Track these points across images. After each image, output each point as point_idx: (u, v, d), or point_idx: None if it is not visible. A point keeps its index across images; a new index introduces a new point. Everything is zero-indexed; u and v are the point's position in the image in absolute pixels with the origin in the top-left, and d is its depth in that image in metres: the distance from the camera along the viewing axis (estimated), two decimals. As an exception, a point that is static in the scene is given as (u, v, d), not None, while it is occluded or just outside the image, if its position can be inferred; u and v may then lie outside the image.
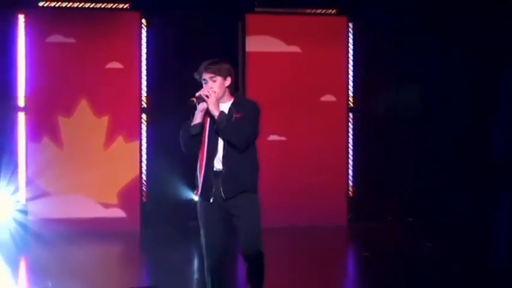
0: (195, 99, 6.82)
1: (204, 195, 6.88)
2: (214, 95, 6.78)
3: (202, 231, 6.94)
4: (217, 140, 6.87)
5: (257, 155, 7.04)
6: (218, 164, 6.87)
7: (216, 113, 6.75)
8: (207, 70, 6.86)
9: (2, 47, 11.56)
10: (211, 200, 6.84)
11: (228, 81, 6.91)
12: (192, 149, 7.01)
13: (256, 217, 7.09)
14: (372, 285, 9.44)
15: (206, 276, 7.00)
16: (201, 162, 6.93)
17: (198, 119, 6.87)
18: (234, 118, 6.80)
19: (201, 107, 6.82)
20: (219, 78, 6.87)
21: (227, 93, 6.94)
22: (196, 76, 6.98)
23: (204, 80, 6.90)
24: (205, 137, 6.88)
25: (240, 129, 6.80)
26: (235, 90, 7.07)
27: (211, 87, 6.81)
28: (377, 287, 9.17)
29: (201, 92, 6.82)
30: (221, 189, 6.82)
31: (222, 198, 6.82)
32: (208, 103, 6.76)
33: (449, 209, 12.18)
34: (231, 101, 6.94)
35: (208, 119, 6.86)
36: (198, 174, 6.97)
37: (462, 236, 11.56)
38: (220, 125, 6.74)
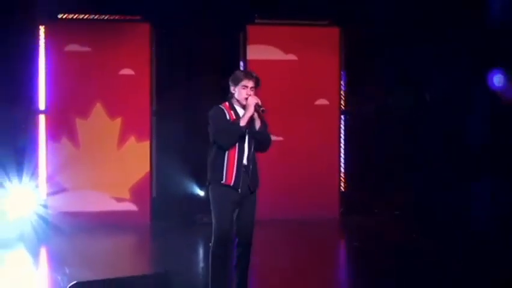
0: (263, 108, 7.17)
1: (235, 185, 7.08)
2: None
3: (220, 212, 7.14)
4: (245, 141, 7.15)
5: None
6: (246, 161, 7.15)
7: (259, 121, 7.17)
8: (255, 80, 7.23)
9: (25, 55, 11.53)
10: (239, 191, 7.08)
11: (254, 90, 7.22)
12: (233, 146, 7.18)
13: (256, 211, 7.33)
14: (361, 271, 9.48)
15: (219, 249, 7.17)
16: (232, 158, 7.15)
17: (247, 122, 7.11)
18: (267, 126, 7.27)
19: (250, 113, 7.09)
20: (254, 90, 7.21)
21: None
22: (239, 77, 7.26)
23: (245, 86, 7.20)
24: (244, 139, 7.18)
25: (268, 136, 7.30)
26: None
27: (253, 97, 7.14)
28: (365, 273, 9.18)
29: (259, 101, 7.13)
30: (249, 183, 7.14)
31: (249, 190, 7.16)
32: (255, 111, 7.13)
33: (433, 202, 12.18)
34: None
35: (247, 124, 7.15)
36: (226, 168, 7.14)
37: (445, 226, 11.60)
38: (262, 130, 7.19)
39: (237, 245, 7.27)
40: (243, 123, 7.08)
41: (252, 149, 7.21)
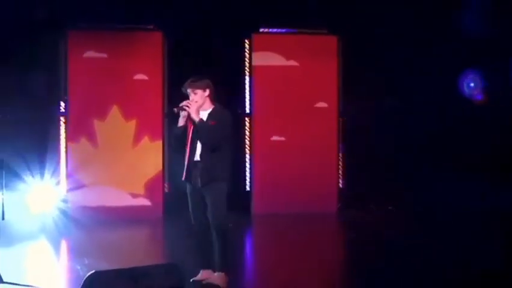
0: (175, 109, 7.57)
1: (187, 180, 7.67)
2: (196, 105, 7.47)
3: (189, 206, 7.87)
4: (193, 140, 7.54)
5: (228, 153, 7.68)
6: (198, 158, 7.54)
7: (196, 119, 7.43)
8: (189, 86, 7.60)
9: (47, 61, 11.60)
10: (191, 184, 7.65)
11: (207, 93, 7.56)
12: (176, 148, 7.88)
13: (219, 200, 7.71)
14: (356, 259, 9.53)
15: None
16: (187, 156, 7.60)
17: (180, 123, 7.57)
18: (209, 124, 7.46)
19: (183, 114, 7.50)
20: (199, 91, 7.55)
21: (208, 102, 7.59)
22: (183, 89, 7.69)
23: (188, 92, 7.60)
24: (189, 137, 7.55)
25: (211, 133, 7.44)
26: (215, 99, 7.65)
27: (193, 99, 7.51)
28: (360, 262, 9.24)
29: (182, 104, 7.49)
30: (198, 178, 7.55)
31: (198, 185, 7.57)
32: (190, 111, 7.44)
33: (423, 198, 12.23)
34: (211, 109, 7.59)
35: (192, 124, 7.49)
36: (185, 165, 7.66)
37: (433, 221, 11.66)
38: (197, 129, 7.44)
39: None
40: (178, 125, 7.59)
41: (205, 148, 7.52)
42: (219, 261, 7.73)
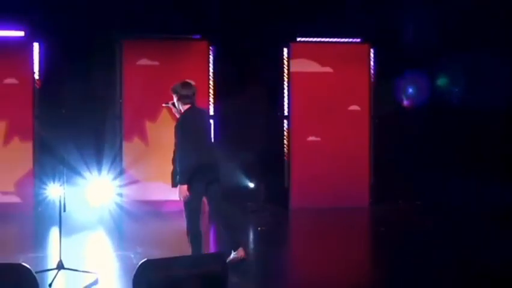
0: (164, 104, 8.31)
1: None
2: (173, 107, 8.08)
3: None
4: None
5: (180, 159, 7.96)
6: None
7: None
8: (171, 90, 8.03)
9: (106, 67, 11.72)
10: None
11: (175, 97, 7.95)
12: None
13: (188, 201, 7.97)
14: (385, 251, 9.52)
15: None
16: None
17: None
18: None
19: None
20: (174, 96, 7.98)
21: (181, 104, 7.96)
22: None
23: None
24: None
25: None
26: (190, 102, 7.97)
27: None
28: (388, 253, 9.25)
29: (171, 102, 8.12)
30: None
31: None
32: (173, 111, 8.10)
33: (450, 194, 12.11)
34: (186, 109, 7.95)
35: None
36: None
37: (457, 215, 11.57)
38: None
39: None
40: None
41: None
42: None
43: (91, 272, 7.80)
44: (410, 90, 12.52)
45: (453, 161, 12.30)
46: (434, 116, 12.56)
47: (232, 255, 8.09)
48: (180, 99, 7.95)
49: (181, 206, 11.57)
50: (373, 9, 12.03)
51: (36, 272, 6.84)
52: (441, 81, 12.49)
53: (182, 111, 7.99)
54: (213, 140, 8.42)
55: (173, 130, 12.03)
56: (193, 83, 8.21)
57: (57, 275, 7.51)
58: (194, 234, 7.98)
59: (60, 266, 7.63)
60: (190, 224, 7.97)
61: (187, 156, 7.79)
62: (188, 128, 7.85)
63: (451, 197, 12.03)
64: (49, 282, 7.39)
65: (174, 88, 8.02)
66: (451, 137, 12.50)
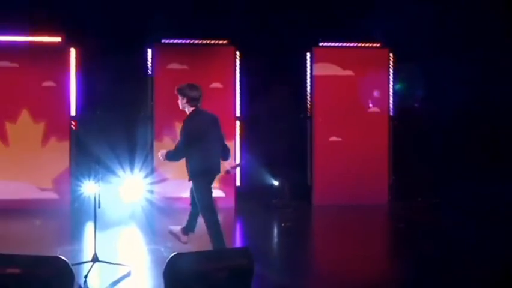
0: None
1: None
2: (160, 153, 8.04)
3: None
4: None
5: (192, 155, 7.87)
6: None
7: (162, 159, 8.05)
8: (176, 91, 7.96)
9: (137, 72, 11.77)
10: None
11: (183, 99, 7.90)
12: None
13: (194, 193, 8.11)
14: (404, 246, 9.51)
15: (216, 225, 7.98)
16: None
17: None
18: (171, 150, 7.96)
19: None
20: (181, 97, 7.91)
21: (188, 106, 7.91)
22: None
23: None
24: None
25: (174, 155, 7.97)
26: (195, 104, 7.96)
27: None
28: (407, 247, 9.24)
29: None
30: None
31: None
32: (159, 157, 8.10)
33: (464, 192, 12.04)
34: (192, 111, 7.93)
35: None
36: None
37: (475, 213, 11.49)
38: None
39: None
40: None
41: None
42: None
43: (123, 265, 7.85)
44: (420, 91, 12.44)
45: (472, 159, 12.18)
46: (453, 116, 12.47)
47: (176, 230, 8.31)
48: (188, 101, 7.88)
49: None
50: (392, 15, 11.99)
51: (72, 264, 6.89)
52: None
53: (188, 112, 7.94)
54: (224, 139, 8.27)
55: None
56: (199, 85, 8.11)
57: (92, 267, 7.57)
58: (213, 229, 7.91)
59: (95, 259, 7.69)
60: (207, 219, 7.93)
61: (194, 157, 7.83)
62: (194, 130, 7.83)
63: (469, 195, 11.92)
64: (84, 274, 7.44)
65: (182, 90, 7.93)
66: (469, 136, 12.40)
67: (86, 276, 7.42)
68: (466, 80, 12.16)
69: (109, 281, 7.49)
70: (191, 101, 7.89)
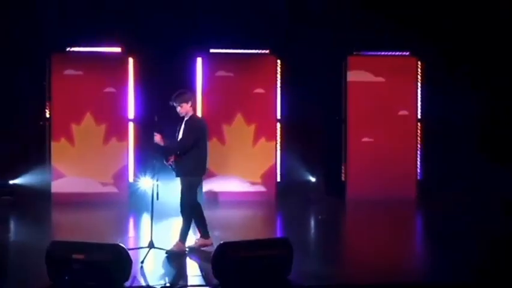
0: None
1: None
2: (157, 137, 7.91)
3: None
4: None
5: (195, 155, 7.87)
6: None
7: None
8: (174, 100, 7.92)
9: (188, 79, 11.79)
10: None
11: (187, 104, 7.91)
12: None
13: (184, 190, 7.99)
14: (431, 236, 9.48)
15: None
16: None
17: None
18: (176, 143, 7.96)
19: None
20: (185, 103, 7.92)
21: (191, 110, 7.97)
22: (190, 97, 8.03)
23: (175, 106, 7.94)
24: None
25: (180, 140, 7.88)
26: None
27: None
28: (430, 237, 9.19)
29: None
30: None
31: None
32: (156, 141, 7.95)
33: (485, 188, 11.83)
34: (188, 117, 7.93)
35: None
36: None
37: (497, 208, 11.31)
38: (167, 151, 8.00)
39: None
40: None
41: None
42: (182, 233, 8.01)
43: (175, 251, 7.94)
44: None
45: (491, 159, 12.01)
46: (478, 118, 12.35)
47: (199, 243, 8.22)
48: (192, 105, 8.01)
49: (253, 196, 11.78)
50: (418, 24, 11.93)
51: (129, 249, 7.02)
52: None
53: (189, 115, 7.99)
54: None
55: (245, 133, 12.16)
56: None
57: (148, 253, 7.69)
58: (188, 224, 8.10)
59: (151, 245, 7.81)
60: (187, 216, 8.07)
61: (195, 156, 7.90)
62: (200, 132, 7.96)
63: (486, 191, 11.72)
64: (141, 259, 7.57)
65: (186, 95, 8.00)
66: (492, 137, 12.26)
67: (142, 262, 7.56)
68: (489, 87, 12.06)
69: (163, 266, 7.59)
70: (192, 105, 8.03)
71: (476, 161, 12.07)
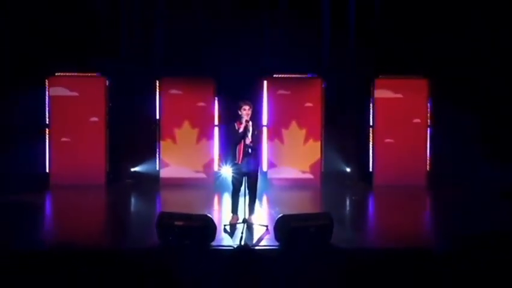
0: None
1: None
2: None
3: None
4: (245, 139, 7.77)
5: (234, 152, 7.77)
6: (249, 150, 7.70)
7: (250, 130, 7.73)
8: (249, 104, 7.80)
9: (257, 96, 11.62)
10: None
11: (250, 110, 7.76)
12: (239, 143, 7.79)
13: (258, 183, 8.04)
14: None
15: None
16: (240, 149, 7.73)
17: (241, 129, 7.76)
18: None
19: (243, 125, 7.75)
20: (251, 109, 7.83)
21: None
22: (240, 105, 7.76)
23: (244, 109, 7.74)
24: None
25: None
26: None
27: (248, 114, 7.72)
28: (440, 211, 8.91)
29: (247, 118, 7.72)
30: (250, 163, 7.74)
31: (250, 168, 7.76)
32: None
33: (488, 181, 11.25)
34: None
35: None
36: (238, 155, 7.72)
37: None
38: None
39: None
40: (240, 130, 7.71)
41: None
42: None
43: (250, 222, 7.98)
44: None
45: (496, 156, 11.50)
46: (483, 125, 11.92)
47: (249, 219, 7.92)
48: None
49: (303, 182, 11.66)
50: (431, 50, 11.61)
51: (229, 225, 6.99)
52: None
53: (249, 119, 7.84)
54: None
55: (299, 135, 11.99)
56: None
57: (238, 224, 7.69)
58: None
59: (244, 220, 7.81)
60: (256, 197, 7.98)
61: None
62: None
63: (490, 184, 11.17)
64: (225, 226, 7.64)
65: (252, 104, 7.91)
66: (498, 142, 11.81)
67: (226, 225, 7.64)
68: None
69: (239, 231, 7.64)
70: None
71: (476, 161, 11.64)
